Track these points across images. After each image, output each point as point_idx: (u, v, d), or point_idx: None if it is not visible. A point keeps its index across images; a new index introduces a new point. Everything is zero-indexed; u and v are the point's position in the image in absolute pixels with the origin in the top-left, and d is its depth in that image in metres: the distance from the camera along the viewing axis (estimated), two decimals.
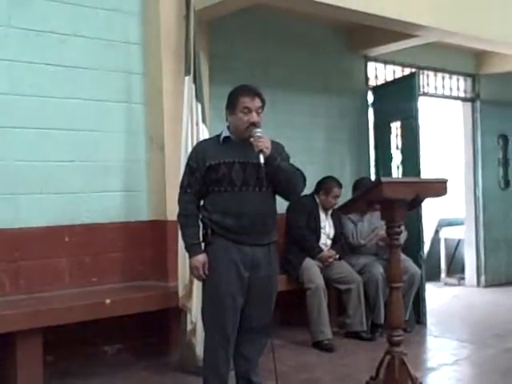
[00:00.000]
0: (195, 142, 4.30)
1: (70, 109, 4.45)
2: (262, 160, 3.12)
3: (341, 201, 5.31)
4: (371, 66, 6.70)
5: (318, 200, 5.33)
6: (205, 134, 4.36)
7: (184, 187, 3.35)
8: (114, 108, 4.63)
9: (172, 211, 4.48)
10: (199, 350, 4.10)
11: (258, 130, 3.19)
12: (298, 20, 5.67)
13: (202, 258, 3.28)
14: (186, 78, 4.42)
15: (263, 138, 3.15)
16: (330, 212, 5.39)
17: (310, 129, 6.06)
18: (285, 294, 5.13)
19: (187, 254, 4.11)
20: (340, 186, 5.34)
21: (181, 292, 4.21)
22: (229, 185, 3.19)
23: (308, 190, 5.28)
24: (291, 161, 3.43)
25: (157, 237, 4.69)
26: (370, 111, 6.59)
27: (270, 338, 3.35)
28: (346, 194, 5.38)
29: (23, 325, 3.72)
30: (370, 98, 6.60)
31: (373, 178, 6.26)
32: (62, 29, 4.44)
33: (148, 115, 4.80)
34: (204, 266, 3.27)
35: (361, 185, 5.50)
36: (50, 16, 4.40)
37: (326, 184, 5.33)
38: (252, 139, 3.17)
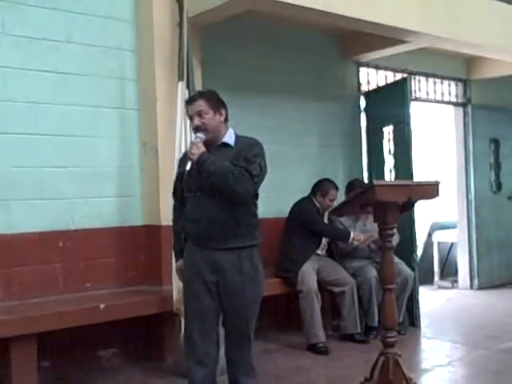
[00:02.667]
0: (189, 148, 4.33)
1: (64, 115, 4.48)
2: (187, 166, 3.06)
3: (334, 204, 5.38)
4: (363, 71, 6.74)
5: (316, 202, 5.36)
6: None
7: (172, 194, 3.38)
8: (107, 114, 4.66)
9: (165, 216, 4.54)
10: None
11: (198, 134, 3.11)
12: (290, 26, 5.71)
13: (178, 264, 3.34)
14: (180, 83, 4.47)
15: (194, 143, 3.08)
16: (326, 215, 5.42)
17: (303, 134, 6.09)
18: (279, 298, 5.19)
19: None
20: (336, 187, 5.37)
21: (175, 296, 4.23)
22: (190, 191, 3.16)
23: (303, 194, 5.38)
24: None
25: (151, 242, 4.70)
26: (363, 116, 6.62)
27: (250, 342, 3.22)
28: (339, 199, 5.42)
29: (17, 330, 3.73)
30: (363, 103, 6.63)
31: (366, 181, 6.28)
32: (55, 35, 4.48)
33: (142, 121, 4.83)
34: (180, 272, 3.31)
35: (353, 186, 5.54)
36: (42, 23, 4.43)
37: (323, 186, 5.36)
38: (189, 146, 3.17)
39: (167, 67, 4.74)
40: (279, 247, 5.33)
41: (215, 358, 3.24)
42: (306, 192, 5.44)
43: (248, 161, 3.01)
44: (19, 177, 4.25)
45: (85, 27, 4.62)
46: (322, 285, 5.14)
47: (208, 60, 5.05)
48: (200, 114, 3.12)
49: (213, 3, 4.58)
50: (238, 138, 3.21)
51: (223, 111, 3.20)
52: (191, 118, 3.18)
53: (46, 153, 4.39)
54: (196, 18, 4.69)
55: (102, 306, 4.03)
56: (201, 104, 3.14)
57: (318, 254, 5.33)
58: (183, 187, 3.21)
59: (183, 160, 3.26)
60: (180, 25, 4.59)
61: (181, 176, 3.22)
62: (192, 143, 3.11)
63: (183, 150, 4.32)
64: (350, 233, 5.25)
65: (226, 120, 3.23)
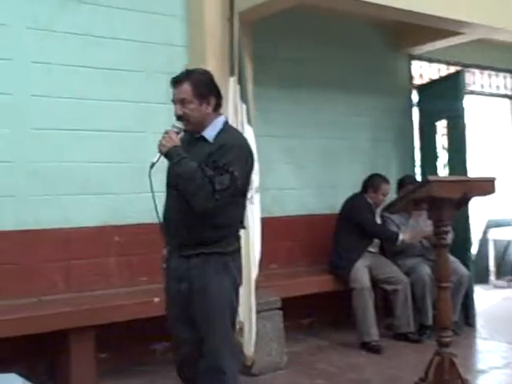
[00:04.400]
0: None
1: (114, 110, 4.54)
2: (154, 159, 2.74)
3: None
4: (416, 64, 6.64)
5: (368, 199, 5.29)
6: (250, 135, 4.38)
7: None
8: (157, 109, 4.67)
9: None
10: (247, 349, 4.13)
11: (176, 124, 2.76)
12: (341, 19, 5.65)
13: (163, 251, 2.97)
14: (231, 79, 4.45)
15: (169, 133, 2.72)
16: (378, 210, 5.36)
17: (354, 129, 6.04)
18: (332, 295, 5.16)
19: None
20: (387, 182, 5.31)
21: None
22: (167, 183, 2.87)
23: (355, 188, 5.31)
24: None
25: None
26: (415, 110, 6.51)
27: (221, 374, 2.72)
28: (390, 195, 5.35)
29: (76, 322, 3.82)
30: (415, 97, 6.52)
31: (418, 177, 6.18)
32: (102, 31, 4.53)
33: None
34: (162, 259, 2.96)
35: (405, 182, 5.45)
36: (90, 19, 4.49)
37: (374, 181, 5.29)
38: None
39: (218, 62, 4.72)
40: (332, 244, 5.29)
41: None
42: (358, 188, 5.38)
43: (218, 169, 2.62)
44: (74, 172, 4.33)
45: (136, 23, 4.67)
46: (374, 282, 5.07)
47: (259, 55, 5.02)
48: (183, 102, 2.73)
49: None
50: (222, 132, 2.79)
51: (212, 99, 2.77)
52: (173, 102, 2.78)
53: (100, 148, 4.45)
54: (246, 13, 4.66)
55: (156, 299, 4.06)
56: (185, 90, 2.72)
57: (371, 252, 5.26)
58: None
59: None
60: (230, 19, 4.58)
61: None
62: (165, 132, 2.73)
63: None
64: (398, 235, 5.17)
65: (215, 109, 2.81)
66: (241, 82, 4.45)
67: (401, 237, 5.17)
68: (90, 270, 4.33)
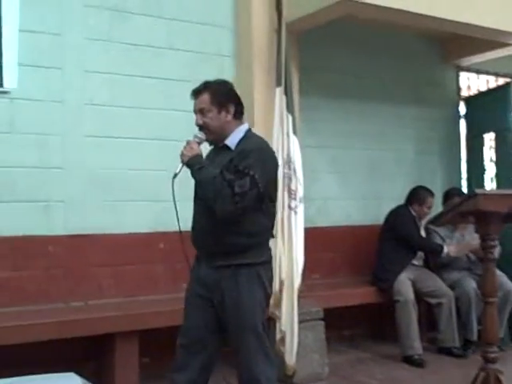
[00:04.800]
0: (286, 153, 4.36)
1: (166, 119, 4.61)
2: (177, 169, 2.78)
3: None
4: (463, 75, 6.57)
5: (412, 211, 5.25)
6: (295, 145, 4.41)
7: None
8: None
9: None
10: (288, 359, 4.13)
11: (197, 134, 2.80)
12: (388, 30, 5.64)
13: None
14: (277, 89, 4.47)
15: (190, 143, 2.77)
16: (423, 223, 5.31)
17: (400, 140, 6.00)
18: (374, 307, 5.13)
19: (277, 263, 4.23)
20: (432, 194, 5.27)
21: (271, 300, 4.24)
22: (194, 196, 2.89)
23: (400, 200, 5.28)
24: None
25: None
26: (462, 122, 6.44)
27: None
28: (435, 208, 5.30)
29: (122, 327, 3.89)
30: (463, 108, 6.46)
31: (465, 190, 6.11)
32: (158, 42, 4.64)
33: None
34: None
35: (451, 195, 5.39)
36: (147, 30, 4.60)
37: (419, 194, 5.25)
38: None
39: (265, 73, 4.77)
40: (375, 256, 5.26)
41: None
42: (402, 199, 5.34)
43: (238, 173, 2.61)
44: (127, 179, 4.42)
45: (186, 34, 4.75)
46: (418, 296, 5.02)
47: (305, 66, 5.05)
48: (202, 112, 2.78)
49: (311, 9, 4.57)
50: (243, 139, 2.79)
51: (231, 108, 2.79)
52: (194, 112, 2.83)
53: (150, 156, 4.53)
54: (294, 24, 4.69)
55: None
56: (204, 100, 2.77)
57: (415, 265, 5.21)
58: None
59: None
60: (278, 30, 4.60)
61: None
62: (187, 143, 2.79)
63: (280, 155, 4.35)
64: (442, 248, 5.12)
65: (236, 117, 2.82)
66: (287, 92, 4.47)
67: (445, 249, 5.12)
68: (136, 275, 4.40)
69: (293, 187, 4.35)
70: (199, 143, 2.80)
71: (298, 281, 4.27)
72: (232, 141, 2.79)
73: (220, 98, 2.79)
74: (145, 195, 4.48)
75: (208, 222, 2.72)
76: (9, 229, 4.04)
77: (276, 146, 4.39)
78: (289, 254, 4.26)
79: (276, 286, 4.20)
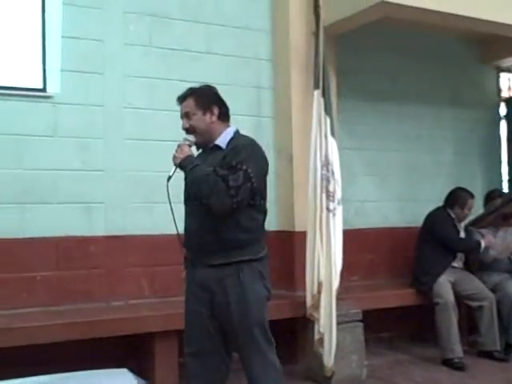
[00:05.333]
0: (324, 155, 4.37)
1: None
2: (171, 172, 2.85)
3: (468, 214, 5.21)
4: (504, 76, 6.49)
5: (451, 213, 5.19)
6: (334, 147, 4.42)
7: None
8: (245, 121, 4.75)
9: (299, 222, 4.61)
10: (326, 360, 4.13)
11: (186, 137, 2.87)
12: (426, 32, 5.59)
13: (184, 273, 3.01)
14: (315, 91, 4.49)
15: (180, 146, 2.83)
16: (463, 225, 5.25)
17: (439, 142, 5.96)
18: (412, 309, 5.09)
19: (315, 265, 4.24)
20: (472, 196, 5.17)
21: (308, 302, 4.25)
22: (184, 200, 2.93)
23: (439, 202, 5.23)
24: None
25: (285, 247, 4.76)
26: (503, 124, 6.35)
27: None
28: (476, 210, 5.24)
29: (161, 326, 3.95)
30: (503, 109, 6.37)
31: (506, 191, 6.02)
32: (196, 47, 4.70)
33: (277, 128, 4.93)
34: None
35: (493, 197, 5.31)
36: (185, 35, 4.67)
37: (459, 196, 5.17)
38: None
39: (303, 76, 4.80)
40: (414, 258, 5.22)
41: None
42: (441, 201, 5.29)
43: (231, 168, 2.65)
44: (162, 181, 4.44)
45: (224, 38, 4.81)
46: (458, 298, 4.96)
47: (343, 68, 5.06)
48: (188, 116, 2.86)
49: (349, 12, 4.59)
50: (233, 138, 2.84)
51: (215, 110, 2.86)
52: (181, 118, 2.92)
53: None
54: (332, 27, 4.72)
55: None
56: (188, 104, 2.87)
57: (454, 267, 5.14)
58: None
59: None
60: (316, 33, 4.63)
61: None
62: (178, 146, 2.85)
63: (318, 157, 4.38)
64: (480, 244, 5.05)
65: (222, 118, 2.89)
66: (325, 94, 4.49)
67: (483, 244, 5.03)
68: (174, 275, 4.44)
69: (331, 189, 4.37)
70: (190, 146, 2.87)
71: (336, 282, 4.28)
72: (222, 141, 2.84)
73: (203, 100, 2.87)
74: (179, 197, 4.52)
75: (204, 222, 2.74)
76: (52, 229, 4.15)
77: (314, 147, 4.42)
78: (327, 255, 4.28)
79: (314, 287, 4.23)
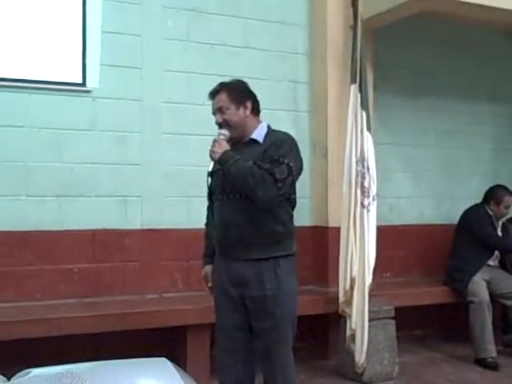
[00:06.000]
0: (359, 150, 4.35)
1: None
2: (210, 167, 2.83)
3: None
4: None
5: (489, 211, 5.13)
6: (369, 142, 4.40)
7: (207, 195, 3.05)
8: (282, 116, 4.78)
9: (334, 218, 4.61)
10: (358, 357, 4.14)
11: (221, 131, 2.80)
12: (464, 26, 5.49)
13: (206, 269, 3.03)
14: (352, 86, 4.47)
15: (218, 140, 2.77)
16: (500, 223, 5.18)
17: (477, 138, 5.88)
18: (446, 307, 5.06)
19: (349, 261, 4.24)
20: (511, 194, 5.10)
21: (341, 298, 4.26)
22: (215, 194, 2.86)
23: (476, 200, 5.17)
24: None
25: (318, 242, 4.78)
26: None
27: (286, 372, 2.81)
28: None
29: (194, 319, 4.01)
30: None
31: None
32: (234, 41, 4.72)
33: (313, 123, 4.93)
34: (206, 278, 3.01)
35: None
36: (223, 30, 4.69)
37: (497, 193, 5.10)
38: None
39: (340, 70, 4.79)
40: (449, 256, 5.17)
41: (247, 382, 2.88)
42: (479, 199, 5.22)
43: (274, 162, 2.65)
44: (199, 176, 4.46)
45: (262, 33, 4.81)
46: (493, 297, 4.90)
47: (380, 62, 5.02)
48: (221, 110, 2.82)
49: (387, 5, 4.55)
50: (269, 133, 2.84)
51: (248, 104, 2.84)
52: (213, 113, 2.87)
53: None
54: (370, 21, 4.68)
55: None
56: (221, 99, 2.83)
57: (490, 265, 5.09)
58: (211, 188, 2.93)
59: None
60: (354, 27, 4.60)
61: (210, 176, 2.93)
62: (214, 141, 2.78)
63: (353, 152, 4.36)
64: None
65: (254, 113, 2.87)
66: (361, 89, 4.46)
67: None
68: None
69: (366, 185, 4.35)
70: (226, 140, 2.82)
71: (369, 279, 4.27)
72: (259, 135, 2.82)
73: (237, 95, 2.84)
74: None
75: (244, 215, 2.71)
76: (90, 222, 4.23)
77: (350, 142, 4.40)
78: (360, 251, 4.27)
79: (347, 283, 4.23)
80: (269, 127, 2.89)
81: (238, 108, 2.82)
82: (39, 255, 4.08)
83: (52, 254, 4.11)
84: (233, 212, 2.75)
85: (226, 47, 4.68)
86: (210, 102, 4.53)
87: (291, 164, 2.68)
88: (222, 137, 2.79)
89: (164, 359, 1.91)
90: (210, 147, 2.76)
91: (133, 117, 4.38)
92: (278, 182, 2.62)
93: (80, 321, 3.76)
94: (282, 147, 2.70)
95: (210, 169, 2.83)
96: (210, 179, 2.91)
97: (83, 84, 4.28)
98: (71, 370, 1.73)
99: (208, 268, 3.00)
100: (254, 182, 2.61)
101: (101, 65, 4.28)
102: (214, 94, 2.87)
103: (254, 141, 2.81)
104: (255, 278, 2.72)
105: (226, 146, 2.75)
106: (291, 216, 2.86)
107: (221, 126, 2.82)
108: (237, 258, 2.76)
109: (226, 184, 2.76)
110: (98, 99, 4.28)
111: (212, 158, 2.76)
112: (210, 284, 2.98)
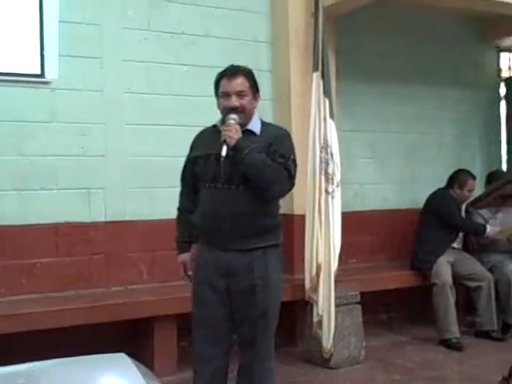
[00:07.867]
0: (323, 138, 4.37)
1: (207, 107, 4.60)
2: (223, 152, 2.63)
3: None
4: (504, 56, 6.46)
5: (453, 194, 5.19)
6: (332, 129, 4.41)
7: (181, 180, 3.03)
8: None
9: (298, 205, 4.61)
10: (325, 342, 4.19)
11: (233, 116, 2.70)
12: (425, 12, 5.54)
13: (184, 257, 2.95)
14: (314, 74, 4.47)
15: (232, 125, 2.67)
16: (463, 207, 5.26)
17: (439, 123, 5.94)
18: (411, 290, 5.12)
19: (314, 247, 4.26)
20: (474, 177, 5.16)
21: (307, 284, 4.29)
22: (205, 180, 2.77)
23: (439, 184, 5.24)
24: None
25: (284, 230, 4.74)
26: (503, 104, 6.33)
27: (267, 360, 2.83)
28: (477, 190, 5.25)
29: (160, 311, 4.00)
30: (503, 89, 6.35)
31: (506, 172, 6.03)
32: (194, 30, 4.67)
33: (276, 111, 4.91)
34: (186, 265, 2.94)
35: (494, 177, 5.32)
36: (183, 18, 4.63)
37: (460, 177, 5.17)
38: (222, 127, 2.73)
39: (302, 58, 4.78)
40: (414, 239, 5.24)
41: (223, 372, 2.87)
42: (442, 183, 5.29)
43: (284, 157, 2.69)
44: (160, 166, 4.46)
45: (222, 21, 4.77)
46: (456, 279, 4.99)
47: (343, 49, 5.03)
48: (240, 94, 2.74)
49: None
50: (263, 125, 2.83)
51: (258, 96, 2.86)
52: (227, 94, 2.74)
53: (186, 143, 4.53)
54: (331, 8, 4.67)
55: None
56: (243, 83, 2.75)
57: (454, 248, 5.18)
58: (193, 174, 2.86)
59: (200, 143, 2.93)
60: (315, 15, 4.59)
61: (193, 160, 2.87)
62: (228, 125, 2.68)
63: (317, 140, 4.37)
64: (485, 228, 5.07)
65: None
66: (324, 76, 4.47)
67: (488, 229, 5.05)
68: (172, 260, 4.47)
69: (330, 171, 4.37)
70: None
71: (335, 265, 4.31)
72: (255, 126, 2.81)
73: (254, 84, 2.83)
74: (175, 181, 4.53)
75: (240, 206, 2.69)
76: (52, 215, 4.16)
77: (313, 130, 4.42)
78: (326, 238, 4.30)
79: (313, 269, 4.26)
80: (261, 119, 2.88)
81: (253, 97, 2.81)
82: (0, 250, 4.00)
83: (13, 249, 4.03)
84: (230, 201, 2.69)
85: (186, 36, 4.62)
86: (171, 91, 4.57)
87: (295, 159, 2.78)
88: (232, 121, 2.70)
89: (123, 354, 1.87)
90: (224, 131, 2.65)
91: (94, 108, 4.32)
92: (292, 177, 2.73)
93: (46, 315, 3.71)
94: (286, 143, 2.77)
95: (224, 153, 2.64)
96: (189, 164, 2.88)
97: (42, 75, 4.18)
98: (26, 369, 1.70)
99: (186, 256, 2.94)
100: (272, 176, 2.65)
101: (59, 55, 4.19)
102: (233, 76, 2.76)
103: (250, 131, 2.78)
104: (245, 268, 2.72)
105: (240, 133, 2.68)
106: (278, 207, 2.90)
107: (234, 110, 2.72)
108: (227, 248, 2.73)
109: (233, 172, 2.68)
110: (57, 90, 4.20)
111: (226, 143, 2.64)
112: (189, 272, 2.92)
